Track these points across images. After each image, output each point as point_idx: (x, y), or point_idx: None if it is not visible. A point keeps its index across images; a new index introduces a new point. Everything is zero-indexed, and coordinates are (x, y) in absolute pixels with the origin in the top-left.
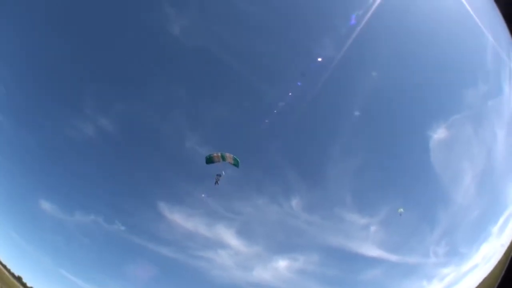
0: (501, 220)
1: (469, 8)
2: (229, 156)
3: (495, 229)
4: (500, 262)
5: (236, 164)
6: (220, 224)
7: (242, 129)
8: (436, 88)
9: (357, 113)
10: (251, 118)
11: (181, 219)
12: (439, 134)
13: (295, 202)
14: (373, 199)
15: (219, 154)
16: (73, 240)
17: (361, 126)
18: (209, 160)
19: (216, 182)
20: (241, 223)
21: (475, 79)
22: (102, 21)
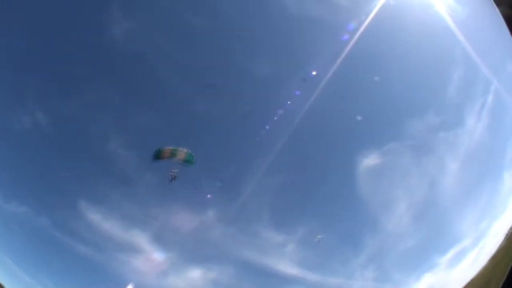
0: (451, 252)
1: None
2: (181, 152)
3: (442, 260)
4: None
5: (190, 160)
6: (136, 228)
7: (167, 138)
8: (374, 113)
9: (285, 132)
10: (177, 128)
11: (99, 219)
12: (370, 160)
13: (211, 213)
14: (292, 218)
15: (170, 149)
16: (6, 228)
17: (286, 146)
18: (157, 155)
19: (173, 178)
20: (157, 229)
21: (426, 109)
22: (49, 16)
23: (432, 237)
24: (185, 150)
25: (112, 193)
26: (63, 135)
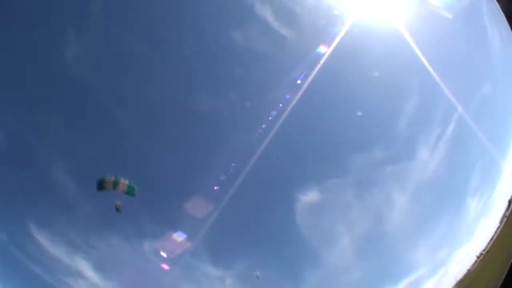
0: (403, 283)
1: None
2: (123, 183)
3: None
4: None
5: (131, 192)
6: (79, 255)
7: (109, 167)
8: (316, 149)
9: (223, 168)
10: (119, 157)
11: (47, 243)
12: (309, 196)
13: (147, 246)
14: (230, 254)
15: (112, 179)
16: None
17: (225, 181)
18: (100, 185)
19: (117, 209)
20: (98, 258)
21: (372, 144)
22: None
23: (382, 268)
24: (127, 182)
25: (58, 218)
26: (11, 152)
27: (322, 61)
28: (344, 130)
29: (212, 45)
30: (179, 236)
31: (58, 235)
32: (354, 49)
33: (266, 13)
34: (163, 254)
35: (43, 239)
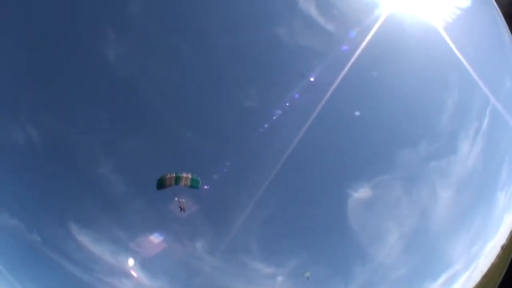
0: (443, 278)
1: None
2: (185, 177)
3: (434, 285)
4: None
5: (195, 185)
6: (125, 253)
7: (155, 167)
8: (365, 147)
9: (274, 165)
10: (165, 158)
11: (88, 242)
12: (360, 193)
13: (199, 244)
14: (281, 251)
15: (173, 175)
16: None
17: (276, 178)
18: (161, 183)
19: (182, 209)
20: (145, 256)
21: (419, 139)
22: (47, 35)
23: (424, 264)
24: (189, 175)
25: (102, 217)
26: (55, 154)
27: (367, 58)
28: (392, 126)
29: (255, 42)
30: (231, 234)
31: (102, 233)
32: (390, 44)
33: (310, 9)
34: (214, 251)
35: (85, 238)
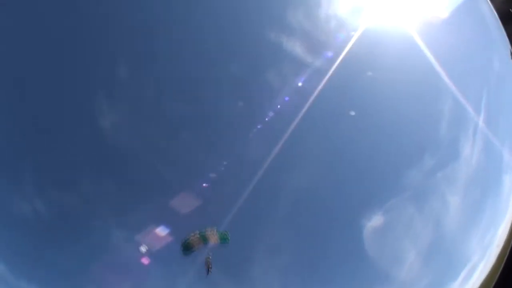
0: (462, 275)
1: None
2: (211, 233)
3: (456, 283)
4: None
5: (224, 240)
6: None
7: (171, 227)
8: (371, 175)
9: (282, 208)
10: (178, 217)
11: None
12: (374, 222)
13: None
14: (301, 285)
15: (197, 235)
16: None
17: (291, 221)
18: (187, 247)
19: (209, 271)
20: None
21: (421, 155)
22: (44, 108)
23: (444, 269)
24: (215, 231)
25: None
26: (64, 226)
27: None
28: (394, 145)
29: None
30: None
31: None
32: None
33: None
34: None
35: None
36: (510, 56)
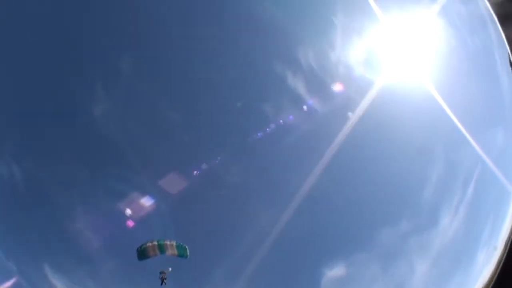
0: None
1: None
2: (170, 244)
3: None
4: None
5: (183, 254)
6: None
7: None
8: (342, 226)
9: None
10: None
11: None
12: (334, 271)
13: None
14: None
15: (155, 243)
16: None
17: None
18: (143, 253)
19: (163, 282)
20: None
21: (399, 217)
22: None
23: None
24: (174, 243)
25: (77, 267)
26: (35, 195)
27: (344, 133)
28: (371, 203)
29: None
30: None
31: (76, 284)
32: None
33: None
34: None
35: (58, 283)
36: None
